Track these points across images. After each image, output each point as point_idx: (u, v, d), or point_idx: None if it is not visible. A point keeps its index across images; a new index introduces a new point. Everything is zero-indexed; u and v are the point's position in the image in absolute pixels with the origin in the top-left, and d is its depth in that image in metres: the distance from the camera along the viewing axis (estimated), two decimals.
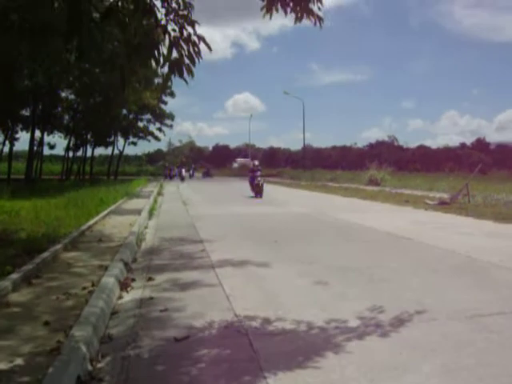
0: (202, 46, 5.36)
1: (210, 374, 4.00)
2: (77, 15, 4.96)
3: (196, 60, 5.45)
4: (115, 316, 5.59)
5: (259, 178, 26.38)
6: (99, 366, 4.13)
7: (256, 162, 28.42)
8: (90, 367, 4.01)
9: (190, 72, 5.51)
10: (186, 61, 5.42)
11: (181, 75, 5.47)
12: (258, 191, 25.88)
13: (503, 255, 8.83)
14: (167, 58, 5.42)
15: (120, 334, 4.98)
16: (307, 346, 4.56)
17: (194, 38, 5.42)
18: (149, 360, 4.29)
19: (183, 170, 57.95)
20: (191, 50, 5.39)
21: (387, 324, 5.15)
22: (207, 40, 5.34)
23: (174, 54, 5.44)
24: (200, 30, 5.31)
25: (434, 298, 6.15)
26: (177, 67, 5.45)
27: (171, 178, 63.03)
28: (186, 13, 5.54)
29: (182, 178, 54.35)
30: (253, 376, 3.90)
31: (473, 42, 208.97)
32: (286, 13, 6.05)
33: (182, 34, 5.42)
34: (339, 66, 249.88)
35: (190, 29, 5.46)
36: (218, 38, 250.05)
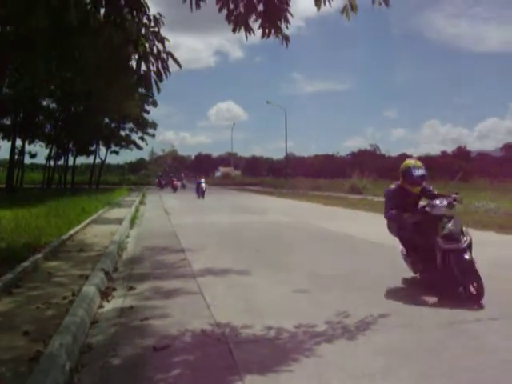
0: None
1: (188, 381, 4.03)
2: (58, 28, 5.01)
3: (164, 76, 5.53)
4: (95, 325, 5.59)
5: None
6: (78, 375, 4.13)
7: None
8: (69, 376, 4.01)
9: (157, 87, 5.59)
10: (154, 76, 5.50)
11: (147, 89, 5.55)
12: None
13: (480, 262, 8.87)
14: (136, 71, 5.49)
15: (100, 343, 4.98)
16: (287, 353, 4.60)
17: (163, 54, 5.49)
18: (128, 369, 4.31)
19: (175, 180, 52.01)
20: (159, 65, 5.46)
21: (363, 330, 5.21)
22: (191, 48, 5.43)
23: (144, 67, 5.52)
24: (182, 39, 5.43)
25: (409, 303, 6.25)
26: (144, 81, 5.52)
27: (162, 187, 59.17)
28: (156, 29, 5.62)
29: (175, 188, 49.45)
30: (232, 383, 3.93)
31: (454, 52, 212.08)
32: (249, 33, 6.15)
33: (152, 50, 5.50)
34: (322, 76, 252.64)
35: (159, 45, 5.55)
36: (201, 46, 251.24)
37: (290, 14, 6.14)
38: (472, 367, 4.22)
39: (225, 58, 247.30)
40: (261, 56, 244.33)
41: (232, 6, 5.95)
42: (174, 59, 5.71)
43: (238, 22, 5.99)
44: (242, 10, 5.96)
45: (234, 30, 6.07)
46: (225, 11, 5.96)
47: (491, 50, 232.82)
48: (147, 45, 5.54)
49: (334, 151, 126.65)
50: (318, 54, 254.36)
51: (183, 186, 52.61)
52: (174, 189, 51.13)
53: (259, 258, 9.99)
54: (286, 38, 6.26)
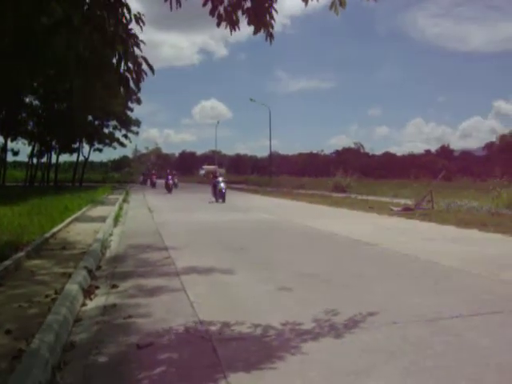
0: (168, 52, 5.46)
1: (172, 380, 4.02)
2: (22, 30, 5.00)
3: (141, 78, 5.55)
4: (78, 323, 5.56)
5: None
6: (61, 373, 4.11)
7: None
8: (51, 375, 3.99)
9: (137, 87, 5.60)
10: (134, 76, 5.51)
11: (126, 89, 5.56)
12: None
13: (464, 260, 9.02)
14: (116, 71, 5.49)
15: (83, 341, 4.96)
16: (270, 350, 4.60)
17: (140, 59, 5.51)
18: (111, 367, 4.29)
19: (169, 178, 42.75)
20: (136, 68, 5.48)
21: (347, 328, 5.24)
22: (175, 46, 5.48)
23: (124, 67, 5.53)
24: (168, 36, 5.46)
25: (395, 302, 6.28)
26: (124, 81, 5.53)
27: (154, 185, 54.22)
28: (134, 31, 5.64)
29: (170, 189, 41.12)
30: (215, 381, 3.93)
31: (438, 51, 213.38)
32: (234, 29, 6.16)
33: (127, 51, 5.51)
34: (306, 74, 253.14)
35: (136, 49, 5.56)
36: (185, 44, 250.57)
37: (275, 10, 6.14)
38: (454, 363, 4.25)
39: (209, 56, 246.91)
40: (245, 54, 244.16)
41: (216, 2, 5.95)
42: (148, 65, 5.73)
43: (222, 17, 6.00)
44: (226, 4, 5.97)
45: (218, 25, 6.07)
46: (209, 6, 5.96)
47: (475, 50, 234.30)
48: (125, 46, 5.54)
49: (319, 149, 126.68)
50: (303, 51, 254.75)
51: (175, 185, 43.76)
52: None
53: (243, 256, 9.99)
54: (271, 35, 6.27)
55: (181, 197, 34.79)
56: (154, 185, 54.04)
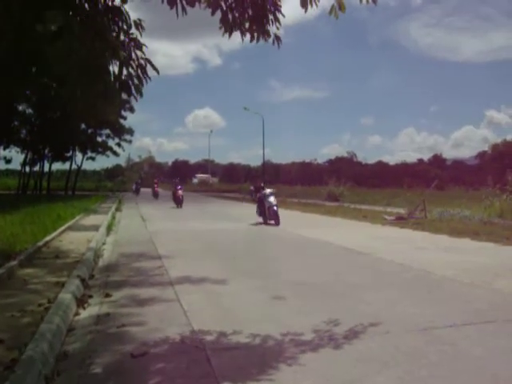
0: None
1: None
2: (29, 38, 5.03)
3: (144, 81, 5.56)
4: (72, 333, 5.54)
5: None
6: (54, 383, 4.09)
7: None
8: None
9: (139, 91, 5.61)
10: (136, 81, 5.52)
11: (129, 94, 5.56)
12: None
13: (457, 269, 9.04)
14: (118, 77, 5.50)
15: (76, 350, 4.94)
16: (266, 360, 4.59)
17: (142, 61, 5.52)
18: (105, 377, 4.27)
19: (179, 187, 33.89)
20: (139, 72, 5.49)
21: (341, 337, 5.24)
22: (168, 54, 5.50)
23: (126, 73, 5.53)
24: (161, 45, 5.49)
25: (388, 312, 6.28)
26: (126, 86, 5.53)
27: (156, 196, 46.07)
28: (135, 36, 5.65)
29: (180, 201, 32.61)
30: None
31: (430, 61, 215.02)
32: (242, 34, 6.19)
33: (130, 56, 5.52)
34: (299, 83, 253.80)
35: (138, 52, 5.57)
36: (178, 53, 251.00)
37: (282, 14, 6.19)
38: (447, 373, 4.26)
39: (203, 65, 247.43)
40: (239, 63, 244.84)
41: (225, 9, 5.98)
42: (153, 66, 5.73)
43: (232, 25, 6.03)
44: (236, 12, 6.01)
45: (229, 34, 6.12)
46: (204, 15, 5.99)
47: (467, 60, 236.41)
48: (127, 52, 5.56)
49: (312, 158, 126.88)
50: (297, 61, 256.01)
51: (179, 201, 32.91)
52: (155, 195, 45.39)
53: (236, 265, 9.98)
54: (278, 39, 6.32)
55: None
56: (156, 195, 46.33)
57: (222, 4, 6.00)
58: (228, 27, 6.08)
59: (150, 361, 4.61)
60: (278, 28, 6.29)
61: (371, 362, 4.54)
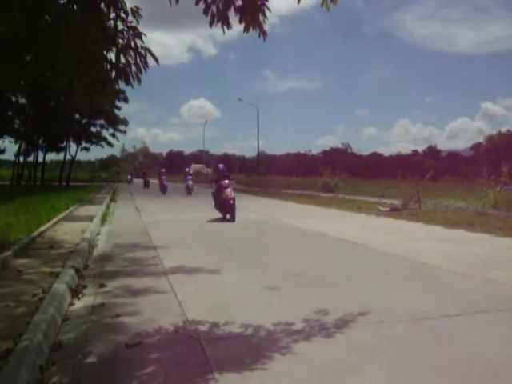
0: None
1: (160, 379, 4.02)
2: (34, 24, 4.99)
3: (143, 69, 5.54)
4: (66, 323, 5.54)
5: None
6: (49, 373, 4.10)
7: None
8: (39, 374, 3.97)
9: (138, 79, 5.60)
10: (134, 69, 5.50)
11: (127, 82, 5.55)
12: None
13: (451, 260, 9.08)
14: (115, 64, 5.48)
15: (71, 340, 4.94)
16: (260, 350, 4.61)
17: (141, 50, 5.50)
18: (100, 366, 4.29)
19: (189, 179, 33.52)
20: (138, 60, 5.47)
21: (335, 326, 5.26)
22: (162, 44, 5.48)
23: (123, 61, 5.51)
24: (155, 35, 5.47)
25: (382, 302, 6.31)
26: (123, 74, 5.52)
27: (164, 190, 37.28)
28: (133, 24, 5.62)
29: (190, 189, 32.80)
30: (204, 380, 3.94)
31: (425, 52, 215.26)
32: (227, 27, 6.13)
33: (129, 44, 5.50)
34: (294, 74, 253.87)
35: (138, 41, 5.55)
36: (173, 42, 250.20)
37: (268, 8, 6.15)
38: (440, 362, 4.29)
39: (198, 55, 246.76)
40: (234, 53, 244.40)
41: (209, 0, 5.92)
42: (152, 55, 5.72)
43: (215, 16, 5.98)
44: (220, 4, 5.95)
45: (210, 24, 6.06)
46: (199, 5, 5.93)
47: (462, 51, 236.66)
48: (125, 40, 5.55)
49: (306, 149, 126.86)
50: (291, 51, 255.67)
51: (189, 190, 32.53)
52: (163, 190, 36.98)
53: (231, 255, 10.00)
54: (264, 33, 6.28)
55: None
56: (164, 190, 37.48)
57: None
58: (211, 18, 6.03)
59: (144, 351, 4.62)
60: (264, 22, 6.25)
61: (364, 351, 4.57)
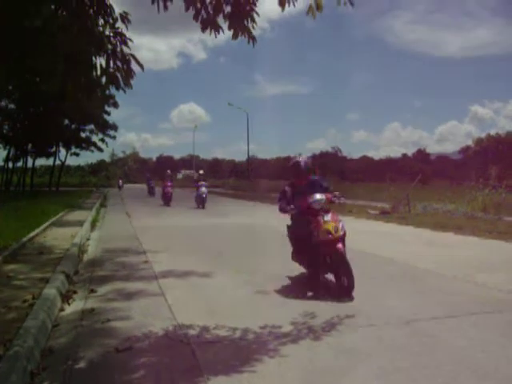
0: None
1: (151, 383, 4.03)
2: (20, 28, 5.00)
3: (130, 75, 5.56)
4: (57, 328, 5.54)
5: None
6: (40, 378, 4.10)
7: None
8: (30, 380, 3.98)
9: (129, 84, 5.61)
10: (124, 74, 5.52)
11: (117, 87, 5.56)
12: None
13: (440, 263, 9.14)
14: (105, 70, 5.50)
15: (61, 345, 4.95)
16: (250, 353, 4.63)
17: (127, 56, 5.52)
18: (90, 371, 4.29)
19: (203, 184, 27.18)
20: (125, 67, 5.49)
21: (324, 329, 5.30)
22: (152, 49, 5.48)
23: (113, 66, 5.53)
24: (144, 39, 5.47)
25: (371, 305, 6.35)
26: (113, 79, 5.54)
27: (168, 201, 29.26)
28: (121, 30, 5.63)
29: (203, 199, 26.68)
30: None
31: (414, 57, 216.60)
32: (218, 32, 6.14)
33: (115, 51, 5.52)
34: (284, 78, 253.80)
35: (124, 47, 5.57)
36: (163, 47, 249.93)
37: (257, 13, 6.16)
38: (429, 364, 4.33)
39: (188, 60, 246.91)
40: (224, 57, 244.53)
41: (199, 6, 5.93)
42: (137, 61, 5.73)
43: (205, 22, 5.99)
44: (210, 10, 5.96)
45: (203, 30, 6.07)
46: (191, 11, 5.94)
47: (450, 56, 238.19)
48: (112, 45, 5.56)
49: (296, 153, 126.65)
50: (281, 56, 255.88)
51: (202, 201, 26.92)
52: (166, 200, 29.64)
53: (221, 259, 10.01)
54: (253, 38, 6.30)
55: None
56: (168, 200, 29.69)
57: (197, 1, 5.94)
58: (202, 24, 6.04)
59: (134, 355, 4.63)
60: (253, 27, 6.26)
61: (354, 353, 4.60)
